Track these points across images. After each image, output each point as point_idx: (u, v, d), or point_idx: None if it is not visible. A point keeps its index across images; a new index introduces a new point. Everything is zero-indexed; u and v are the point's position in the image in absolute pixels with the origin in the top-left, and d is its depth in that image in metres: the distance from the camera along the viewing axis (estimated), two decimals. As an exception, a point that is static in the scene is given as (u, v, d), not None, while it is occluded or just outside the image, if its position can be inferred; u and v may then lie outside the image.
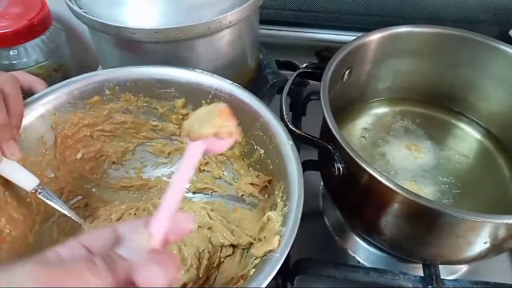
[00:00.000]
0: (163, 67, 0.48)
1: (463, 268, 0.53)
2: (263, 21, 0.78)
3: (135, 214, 0.48)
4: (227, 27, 0.51)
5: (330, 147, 0.43)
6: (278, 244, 0.34)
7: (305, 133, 0.45)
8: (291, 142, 0.41)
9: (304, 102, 0.66)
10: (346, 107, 0.57)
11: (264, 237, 0.37)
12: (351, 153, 0.39)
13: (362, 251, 0.53)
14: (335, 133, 0.41)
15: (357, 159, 0.39)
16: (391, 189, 0.38)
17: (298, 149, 0.44)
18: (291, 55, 0.74)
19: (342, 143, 0.40)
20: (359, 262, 0.53)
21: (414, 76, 0.56)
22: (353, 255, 0.53)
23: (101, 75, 0.48)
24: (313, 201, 0.60)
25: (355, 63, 0.52)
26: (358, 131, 0.56)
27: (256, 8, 0.54)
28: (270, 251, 0.34)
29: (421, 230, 0.41)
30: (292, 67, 0.72)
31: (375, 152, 0.54)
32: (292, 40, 0.82)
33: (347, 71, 0.52)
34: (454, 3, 0.72)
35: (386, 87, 0.58)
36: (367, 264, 0.52)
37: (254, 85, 0.63)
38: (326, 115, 0.43)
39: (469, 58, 0.53)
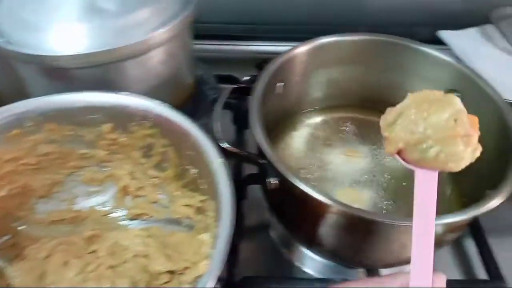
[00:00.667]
0: (86, 92, 0.46)
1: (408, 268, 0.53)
2: (201, 36, 0.77)
3: (65, 250, 0.45)
4: (157, 47, 0.50)
5: (263, 162, 0.43)
6: (207, 268, 0.32)
7: (237, 150, 0.44)
8: (221, 160, 0.40)
9: (246, 114, 0.65)
10: (284, 118, 0.57)
11: (196, 261, 0.36)
12: (280, 170, 0.39)
13: (309, 262, 0.53)
14: (264, 150, 0.41)
15: (287, 176, 0.38)
16: (322, 202, 0.37)
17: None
18: (233, 69, 0.74)
19: (271, 160, 0.40)
20: (305, 272, 0.52)
21: (347, 83, 0.57)
22: (300, 266, 0.53)
23: (20, 106, 0.45)
24: (259, 215, 0.59)
25: (287, 75, 0.52)
26: (296, 141, 0.56)
27: (187, 25, 0.53)
28: (198, 276, 0.32)
29: (357, 238, 0.41)
30: (233, 80, 0.72)
31: (314, 161, 0.54)
32: (233, 54, 0.81)
33: (280, 84, 0.52)
34: (392, 9, 0.74)
35: (321, 96, 0.58)
36: (314, 274, 0.52)
37: (193, 102, 0.62)
38: (254, 132, 0.42)
39: (396, 62, 0.54)
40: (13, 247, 0.47)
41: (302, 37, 0.55)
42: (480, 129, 0.49)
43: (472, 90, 0.50)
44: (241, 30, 0.79)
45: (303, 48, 0.51)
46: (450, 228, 0.41)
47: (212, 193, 0.40)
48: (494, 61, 0.62)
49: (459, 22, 0.71)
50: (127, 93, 0.46)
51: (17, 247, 0.47)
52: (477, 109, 0.49)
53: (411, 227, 0.38)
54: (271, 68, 0.48)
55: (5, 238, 0.47)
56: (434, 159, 0.26)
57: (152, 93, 0.53)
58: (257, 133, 0.42)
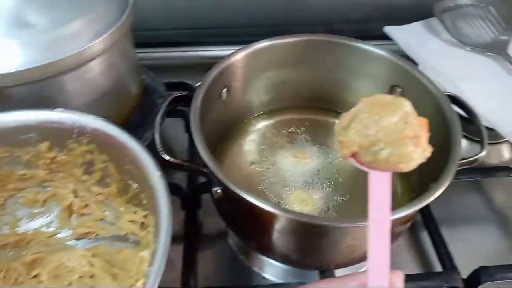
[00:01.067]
0: (18, 111, 0.44)
1: (364, 266, 0.54)
2: (150, 44, 0.76)
3: (4, 277, 0.43)
4: (94, 58, 0.49)
5: (207, 172, 0.42)
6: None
7: (179, 161, 0.44)
8: (159, 174, 0.39)
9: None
10: (232, 125, 0.56)
11: (136, 280, 0.35)
12: (221, 179, 0.38)
13: (268, 267, 0.52)
14: (205, 159, 0.40)
15: (228, 185, 0.38)
16: (265, 209, 0.37)
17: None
18: (186, 75, 0.73)
19: (212, 169, 0.39)
20: (264, 278, 0.52)
21: (293, 85, 0.57)
22: (259, 272, 0.52)
23: None
24: (217, 223, 0.58)
25: (230, 81, 0.51)
26: (245, 146, 0.56)
27: (124, 34, 0.52)
28: (134, 296, 0.31)
29: (305, 243, 0.41)
30: (185, 87, 0.71)
31: (264, 165, 0.54)
32: (185, 60, 0.80)
33: (224, 90, 0.52)
34: (339, 7, 0.75)
35: (269, 99, 0.58)
36: (274, 279, 0.51)
37: (141, 112, 0.61)
38: (195, 142, 0.41)
39: (338, 61, 0.54)
40: (-46, 277, 0.45)
41: (255, 40, 0.54)
42: (422, 123, 0.50)
43: (412, 85, 0.50)
44: (192, 36, 0.78)
45: (240, 55, 0.50)
46: (394, 223, 0.41)
47: (152, 208, 0.39)
48: (438, 53, 0.64)
49: (408, 16, 0.73)
50: (61, 109, 0.44)
51: (-43, 276, 0.45)
52: (418, 104, 0.50)
53: (354, 228, 0.39)
54: (210, 75, 0.47)
55: None
56: (386, 160, 0.27)
57: (93, 106, 0.52)
58: (197, 143, 0.41)
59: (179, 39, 0.77)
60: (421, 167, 0.51)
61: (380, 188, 0.27)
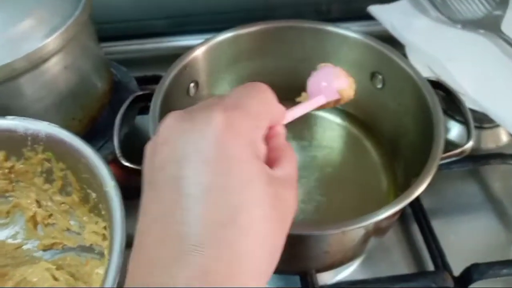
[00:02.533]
0: (-32, 121, 0.42)
1: (354, 264, 0.51)
2: (119, 37, 0.73)
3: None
4: (49, 58, 0.46)
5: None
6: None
7: (139, 167, 0.40)
8: (113, 184, 0.36)
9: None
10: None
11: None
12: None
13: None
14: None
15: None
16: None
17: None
18: (162, 68, 0.70)
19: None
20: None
21: (265, 77, 0.51)
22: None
23: None
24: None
25: (196, 76, 0.48)
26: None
27: (81, 29, 0.48)
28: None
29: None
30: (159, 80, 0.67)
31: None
32: (160, 52, 0.76)
33: (192, 85, 0.48)
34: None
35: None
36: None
37: (110, 110, 0.58)
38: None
39: (315, 47, 0.51)
40: None
41: (233, 26, 0.51)
42: (403, 111, 0.47)
43: (393, 72, 0.46)
44: (166, 26, 0.74)
45: (202, 49, 0.47)
46: (378, 223, 0.38)
47: (109, 220, 0.36)
48: (426, 32, 0.59)
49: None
50: (13, 117, 0.42)
51: None
52: (399, 90, 0.47)
53: (328, 235, 0.36)
54: (172, 72, 0.44)
55: None
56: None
57: (55, 109, 0.49)
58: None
59: (153, 30, 0.73)
60: (406, 160, 0.48)
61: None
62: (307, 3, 0.74)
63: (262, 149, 0.24)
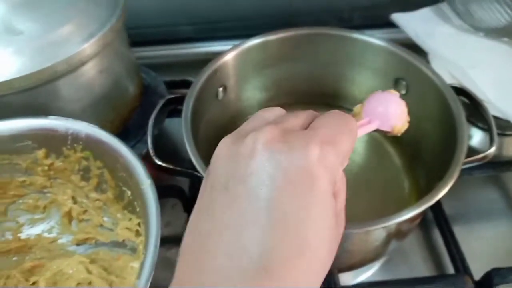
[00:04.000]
0: (12, 120, 0.44)
1: (375, 266, 0.52)
2: (149, 42, 0.75)
3: (5, 283, 0.44)
4: (86, 62, 0.48)
5: (200, 177, 0.41)
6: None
7: (171, 166, 0.43)
8: (149, 182, 0.38)
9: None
10: (230, 124, 0.55)
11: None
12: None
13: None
14: (196, 164, 0.39)
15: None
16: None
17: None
18: (191, 73, 0.72)
19: (202, 172, 0.38)
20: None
21: (293, 81, 0.55)
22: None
23: None
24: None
25: (225, 80, 0.50)
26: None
27: (116, 34, 0.51)
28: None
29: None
30: (188, 85, 0.69)
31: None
32: (189, 57, 0.78)
33: (221, 89, 0.50)
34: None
35: (268, 96, 0.56)
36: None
37: (141, 113, 0.60)
38: (187, 146, 0.40)
39: (340, 54, 0.52)
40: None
41: (260, 33, 0.52)
42: (426, 117, 0.48)
43: (417, 78, 0.47)
44: (195, 31, 0.77)
45: (231, 54, 0.49)
46: (399, 225, 0.39)
47: (144, 217, 0.38)
48: (449, 40, 0.60)
49: (420, 2, 0.69)
50: (54, 116, 0.44)
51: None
52: (423, 97, 0.48)
53: (351, 234, 0.37)
54: (203, 76, 0.46)
55: (-49, 274, 0.46)
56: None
57: (89, 111, 0.51)
58: (188, 148, 0.40)
59: (183, 36, 0.76)
60: (428, 164, 0.49)
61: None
62: (330, 11, 0.76)
63: (339, 183, 0.24)
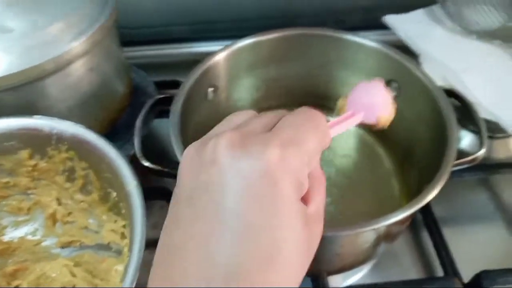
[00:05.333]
0: (-2, 119, 0.43)
1: (364, 268, 0.51)
2: (139, 42, 0.75)
3: (-11, 286, 0.43)
4: (75, 61, 0.48)
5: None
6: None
7: (159, 168, 0.42)
8: (135, 183, 0.38)
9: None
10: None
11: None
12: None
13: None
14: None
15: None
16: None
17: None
18: (181, 73, 0.71)
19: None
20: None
21: (283, 82, 0.54)
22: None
23: None
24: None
25: (215, 81, 0.49)
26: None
27: (106, 34, 0.50)
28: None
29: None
30: (179, 85, 0.69)
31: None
32: (179, 57, 0.78)
33: (210, 90, 0.50)
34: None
35: (259, 97, 0.55)
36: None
37: (130, 113, 0.59)
38: (174, 148, 0.40)
39: (331, 55, 0.52)
40: None
41: (254, 33, 0.52)
42: (417, 119, 0.48)
43: (408, 79, 0.47)
44: (186, 32, 0.76)
45: (222, 54, 0.48)
46: (389, 227, 0.39)
47: (130, 219, 0.37)
48: (441, 42, 0.60)
49: (419, 4, 0.69)
50: (40, 116, 0.43)
51: None
52: (413, 99, 0.48)
53: (341, 237, 0.37)
54: (192, 77, 0.46)
55: None
56: None
57: (78, 110, 0.50)
58: (176, 148, 0.40)
59: (173, 36, 0.75)
60: (418, 166, 0.48)
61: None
62: (326, 12, 0.75)
63: (306, 184, 0.24)
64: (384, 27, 0.65)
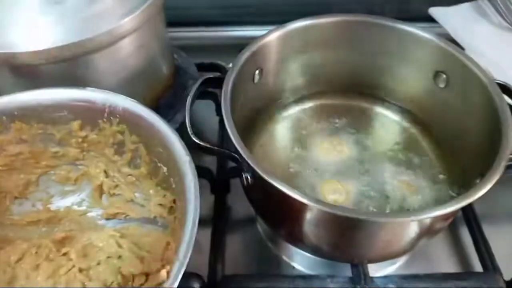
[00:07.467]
0: (51, 89, 0.44)
1: (400, 260, 0.51)
2: (181, 23, 0.75)
3: (36, 253, 0.44)
4: (125, 37, 0.48)
5: (237, 158, 0.41)
6: (168, 276, 0.31)
7: (209, 145, 0.42)
8: (188, 159, 0.38)
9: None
10: (264, 108, 0.54)
11: (162, 266, 0.34)
12: (253, 166, 0.37)
13: (297, 256, 0.51)
14: (237, 145, 0.38)
15: (260, 172, 0.36)
16: (298, 200, 0.35)
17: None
18: (218, 56, 0.71)
19: (244, 156, 0.38)
20: (294, 268, 0.50)
21: (329, 68, 0.54)
22: (288, 261, 0.51)
23: (-18, 107, 0.43)
24: (245, 208, 0.57)
25: (263, 62, 0.49)
26: (278, 131, 0.54)
27: (156, 12, 0.51)
28: (159, 284, 0.31)
29: (337, 235, 0.39)
30: (216, 68, 0.69)
31: (296, 151, 0.52)
32: (218, 40, 0.78)
33: (257, 72, 0.50)
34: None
35: (303, 82, 0.55)
36: (303, 269, 0.50)
37: (172, 93, 0.60)
38: (227, 127, 0.40)
39: (380, 43, 0.51)
40: (-12, 250, 0.46)
41: (290, 19, 0.51)
42: (467, 111, 0.47)
43: (459, 71, 0.46)
44: (225, 15, 0.76)
45: (275, 34, 0.48)
46: (435, 220, 0.39)
47: (181, 193, 0.38)
48: (488, 38, 0.59)
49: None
50: (93, 88, 0.44)
51: (-8, 250, 0.46)
52: (463, 91, 0.47)
53: (394, 223, 0.37)
54: (243, 56, 0.46)
55: (-20, 241, 0.46)
56: None
57: (124, 86, 0.51)
58: (229, 129, 0.40)
59: (212, 19, 0.75)
60: (467, 158, 0.48)
61: None
62: (361, 2, 0.75)
63: None
64: (413, 18, 0.64)
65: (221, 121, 0.62)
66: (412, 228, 0.37)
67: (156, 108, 0.57)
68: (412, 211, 0.37)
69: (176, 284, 0.29)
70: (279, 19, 0.51)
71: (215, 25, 0.76)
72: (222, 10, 0.75)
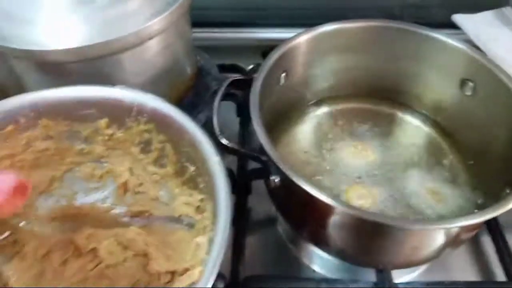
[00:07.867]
0: (79, 87, 0.45)
1: (421, 267, 0.51)
2: (203, 24, 0.75)
3: (63, 248, 0.44)
4: (152, 37, 0.49)
5: (265, 160, 0.41)
6: (201, 275, 0.31)
7: (237, 147, 0.43)
8: (218, 159, 0.38)
9: (250, 107, 0.63)
10: (289, 111, 0.55)
11: (192, 266, 0.34)
12: (282, 168, 0.37)
13: (318, 259, 0.51)
14: (265, 147, 0.39)
15: (289, 175, 0.36)
16: (326, 203, 0.35)
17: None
18: (238, 58, 0.72)
19: (273, 158, 0.38)
20: (314, 271, 0.50)
21: (354, 72, 0.54)
22: (308, 264, 0.51)
23: (13, 102, 0.44)
24: (266, 209, 0.57)
25: (290, 65, 0.50)
26: (301, 134, 0.54)
27: (183, 13, 0.51)
28: (192, 283, 0.31)
29: (364, 240, 0.39)
30: (237, 70, 0.70)
31: (320, 155, 0.52)
32: (238, 42, 0.78)
33: (283, 74, 0.50)
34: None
35: (327, 86, 0.55)
36: (323, 273, 0.50)
37: (195, 93, 0.61)
38: (255, 128, 0.40)
39: (405, 49, 0.52)
40: (15, 244, 0.46)
41: (310, 23, 0.52)
42: (494, 120, 0.47)
43: (486, 79, 0.46)
44: (245, 17, 0.76)
45: (304, 37, 0.48)
46: (465, 229, 0.38)
47: (210, 193, 0.38)
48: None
49: (476, 5, 0.67)
50: (122, 86, 0.44)
51: (18, 244, 0.46)
52: (490, 99, 0.47)
53: (423, 230, 0.37)
54: (272, 58, 0.46)
55: (6, 234, 0.46)
56: None
57: (149, 85, 0.52)
58: (257, 129, 0.40)
59: (234, 20, 0.76)
60: (494, 165, 0.48)
61: None
62: (380, 7, 0.74)
63: None
64: (432, 24, 0.65)
65: (242, 122, 0.62)
66: (440, 236, 0.37)
67: (179, 108, 0.58)
68: (441, 219, 0.36)
69: (210, 284, 0.30)
70: (299, 23, 0.51)
71: (237, 26, 0.76)
72: (245, 11, 0.76)
